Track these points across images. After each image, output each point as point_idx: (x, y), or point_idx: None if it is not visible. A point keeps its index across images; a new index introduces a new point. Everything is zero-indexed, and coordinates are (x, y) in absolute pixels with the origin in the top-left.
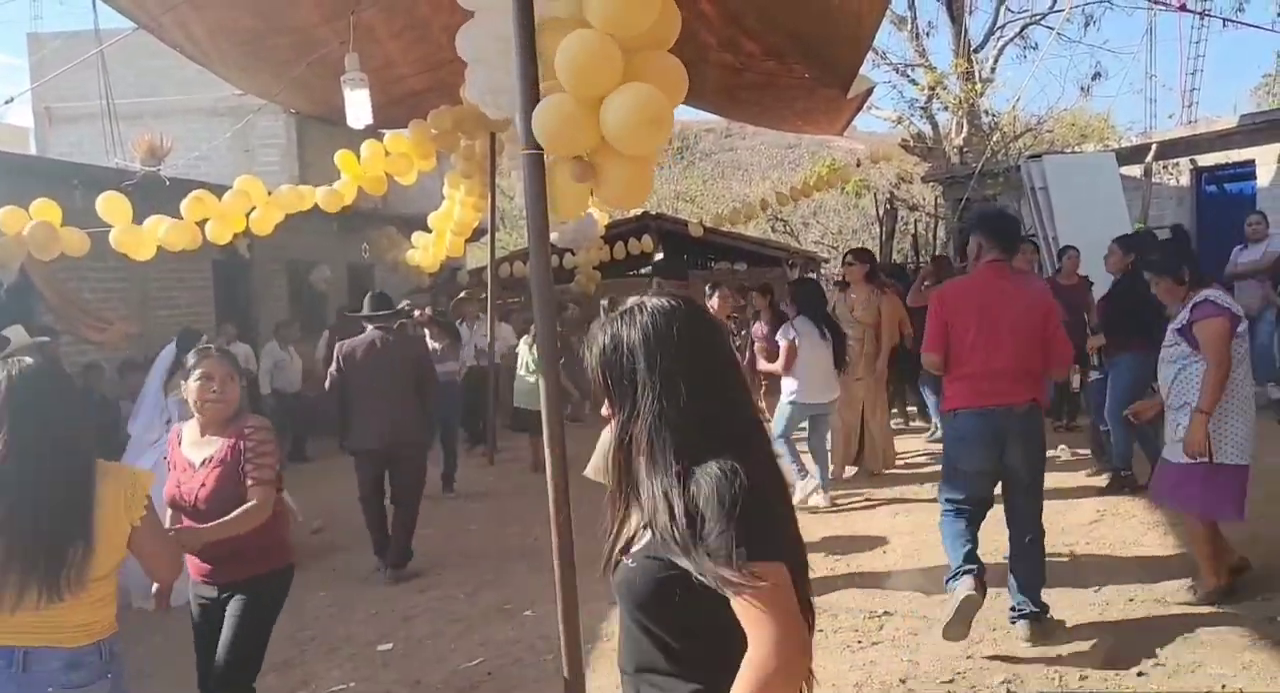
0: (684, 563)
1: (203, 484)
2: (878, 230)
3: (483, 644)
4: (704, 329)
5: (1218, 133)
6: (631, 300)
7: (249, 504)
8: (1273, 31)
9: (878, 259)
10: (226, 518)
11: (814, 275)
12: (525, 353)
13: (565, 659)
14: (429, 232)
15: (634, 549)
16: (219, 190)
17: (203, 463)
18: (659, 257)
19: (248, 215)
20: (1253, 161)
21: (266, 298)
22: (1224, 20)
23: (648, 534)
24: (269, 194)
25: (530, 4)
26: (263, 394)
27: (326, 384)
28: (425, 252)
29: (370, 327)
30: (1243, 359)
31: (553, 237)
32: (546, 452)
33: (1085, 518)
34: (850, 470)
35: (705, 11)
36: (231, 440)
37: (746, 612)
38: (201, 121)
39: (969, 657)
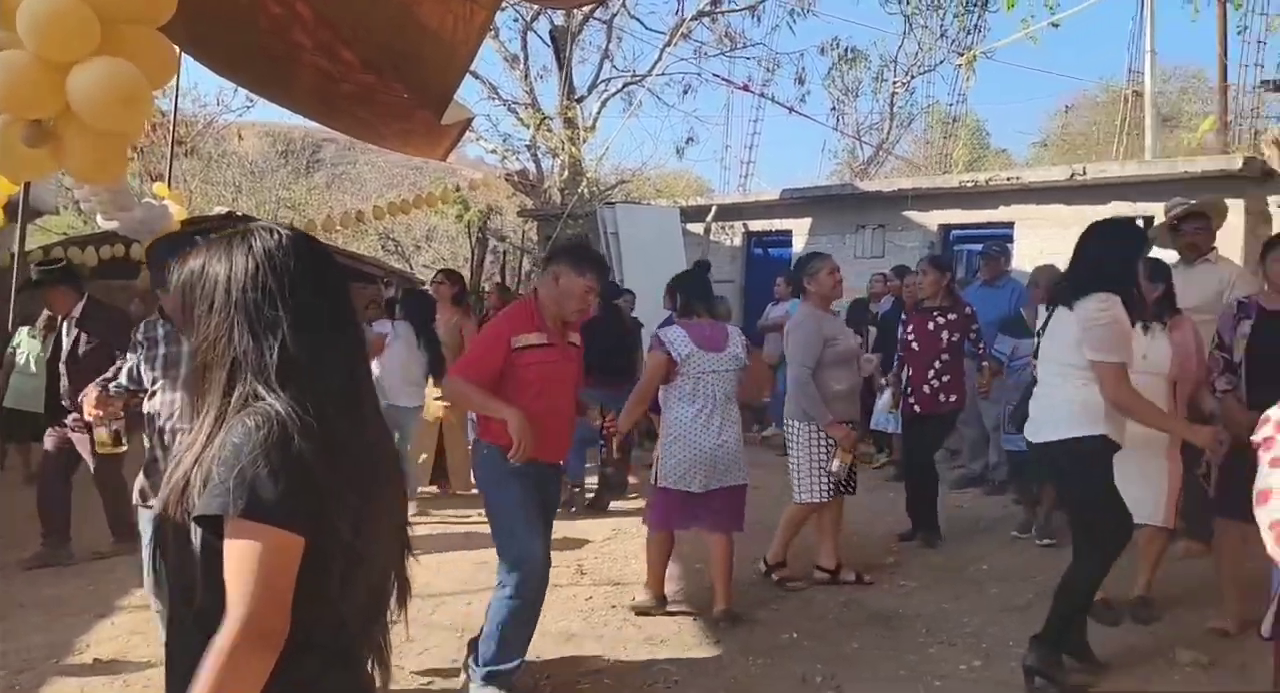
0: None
1: None
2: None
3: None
4: (304, 262)
5: (764, 203)
6: (239, 228)
7: None
8: (825, 125)
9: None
10: None
11: (428, 291)
12: (28, 344)
13: None
14: None
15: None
16: None
17: None
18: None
19: None
20: (790, 231)
21: None
22: (789, 109)
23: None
24: None
25: None
26: None
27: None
28: None
29: None
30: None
31: (113, 224)
32: None
33: (601, 535)
34: (430, 489)
35: (300, 12)
36: None
37: (226, 571)
38: None
39: None
